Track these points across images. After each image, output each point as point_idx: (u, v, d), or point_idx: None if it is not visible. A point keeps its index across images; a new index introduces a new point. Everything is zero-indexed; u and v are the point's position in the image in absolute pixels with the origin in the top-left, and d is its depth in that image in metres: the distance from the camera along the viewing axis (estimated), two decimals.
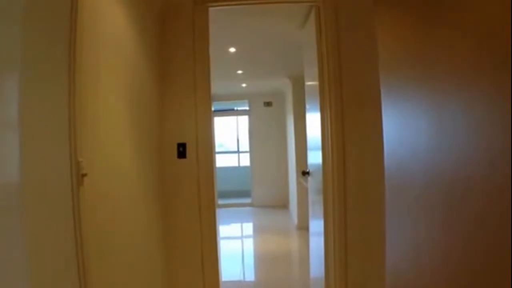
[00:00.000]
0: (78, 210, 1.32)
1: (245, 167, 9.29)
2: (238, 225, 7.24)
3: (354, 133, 2.66)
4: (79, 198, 1.33)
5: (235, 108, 9.20)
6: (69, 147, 1.31)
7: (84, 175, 1.38)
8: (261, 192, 8.33)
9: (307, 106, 3.39)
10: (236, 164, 10.00)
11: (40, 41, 1.22)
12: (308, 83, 3.30)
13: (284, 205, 8.05)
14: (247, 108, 8.65)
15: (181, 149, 2.73)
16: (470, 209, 0.85)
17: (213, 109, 2.89)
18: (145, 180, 2.30)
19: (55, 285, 1.25)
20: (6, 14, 1.11)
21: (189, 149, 2.73)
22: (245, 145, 9.38)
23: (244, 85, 7.35)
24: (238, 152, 9.97)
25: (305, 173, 3.37)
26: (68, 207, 1.30)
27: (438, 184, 1.01)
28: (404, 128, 1.28)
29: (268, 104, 8.41)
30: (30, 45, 1.17)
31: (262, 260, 4.90)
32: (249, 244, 5.99)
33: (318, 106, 2.77)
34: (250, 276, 4.46)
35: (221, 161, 9.28)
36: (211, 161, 2.81)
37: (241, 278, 4.33)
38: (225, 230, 6.60)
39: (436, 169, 1.02)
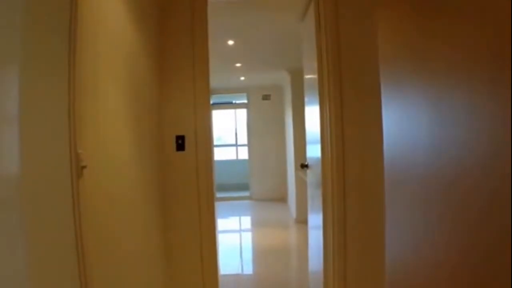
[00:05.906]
0: (77, 202, 1.31)
1: (243, 160, 9.31)
2: (237, 218, 7.26)
3: (353, 126, 2.65)
4: (78, 190, 1.33)
5: (234, 101, 9.19)
6: (69, 139, 1.30)
7: (83, 167, 1.38)
8: (260, 186, 8.35)
9: (306, 99, 3.38)
10: (234, 157, 10.01)
11: (40, 34, 1.22)
12: (307, 76, 3.29)
13: (282, 199, 8.07)
14: (245, 101, 8.64)
15: (179, 141, 2.72)
16: (470, 202, 0.85)
17: (211, 102, 2.88)
18: (144, 172, 2.30)
19: (55, 278, 1.25)
20: (6, 8, 1.10)
21: (188, 141, 2.72)
22: (243, 138, 9.38)
23: (242, 78, 7.34)
24: (236, 145, 9.97)
25: (303, 166, 3.37)
26: (68, 199, 1.29)
27: (438, 177, 1.01)
28: (404, 121, 1.28)
29: (266, 97, 8.40)
30: (30, 38, 1.16)
31: (261, 253, 4.92)
32: (247, 238, 6.01)
33: (317, 99, 2.76)
34: (248, 270, 4.48)
35: (219, 154, 9.28)
36: (210, 153, 2.80)
37: (240, 271, 4.35)
38: (223, 223, 6.61)
39: (436, 162, 1.02)
